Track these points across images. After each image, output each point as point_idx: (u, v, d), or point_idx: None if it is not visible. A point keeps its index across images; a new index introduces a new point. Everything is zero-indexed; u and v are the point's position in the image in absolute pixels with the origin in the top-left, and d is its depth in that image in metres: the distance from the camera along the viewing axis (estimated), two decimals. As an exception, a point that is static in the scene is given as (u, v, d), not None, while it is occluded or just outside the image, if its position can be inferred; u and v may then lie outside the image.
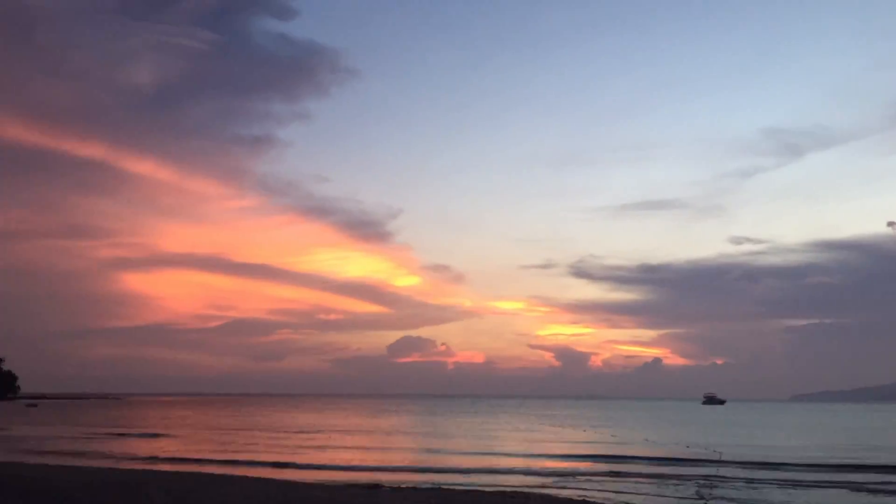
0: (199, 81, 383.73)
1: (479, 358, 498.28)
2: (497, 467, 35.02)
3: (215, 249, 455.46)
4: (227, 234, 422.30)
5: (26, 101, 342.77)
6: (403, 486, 26.24)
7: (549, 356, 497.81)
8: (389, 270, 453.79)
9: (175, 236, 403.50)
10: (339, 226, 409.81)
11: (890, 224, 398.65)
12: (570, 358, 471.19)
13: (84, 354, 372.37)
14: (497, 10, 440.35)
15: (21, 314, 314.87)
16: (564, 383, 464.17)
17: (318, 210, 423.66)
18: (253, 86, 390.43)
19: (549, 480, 29.78)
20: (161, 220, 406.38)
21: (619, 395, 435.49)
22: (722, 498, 25.23)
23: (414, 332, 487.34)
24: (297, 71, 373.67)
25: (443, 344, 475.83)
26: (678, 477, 30.96)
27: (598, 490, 26.98)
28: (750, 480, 30.02)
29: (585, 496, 24.95)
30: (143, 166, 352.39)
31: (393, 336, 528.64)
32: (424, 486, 26.66)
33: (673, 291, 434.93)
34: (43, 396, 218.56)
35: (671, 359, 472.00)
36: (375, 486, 25.47)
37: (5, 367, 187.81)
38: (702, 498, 25.01)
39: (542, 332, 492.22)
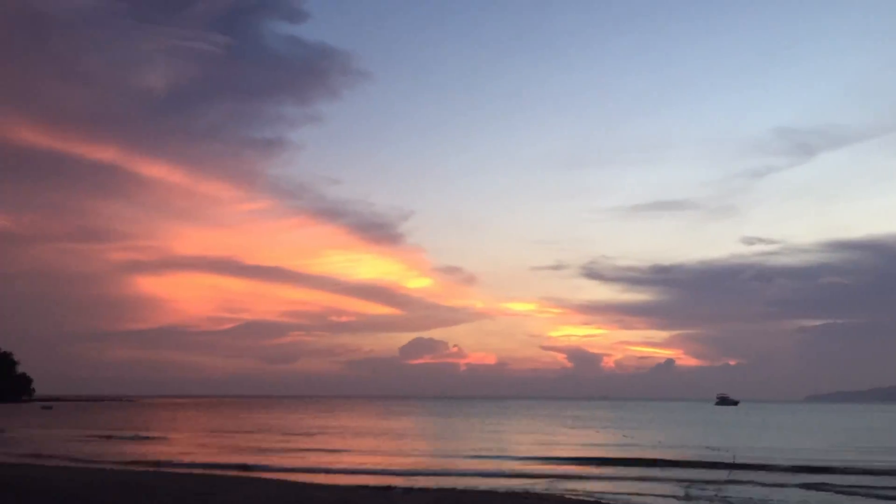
0: (211, 84, 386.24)
1: (490, 359, 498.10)
2: (509, 469, 34.86)
3: (228, 252, 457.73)
4: (239, 237, 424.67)
5: (40, 106, 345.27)
6: (415, 487, 26.14)
7: (561, 357, 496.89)
8: (401, 272, 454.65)
9: (188, 239, 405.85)
10: (351, 228, 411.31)
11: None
12: (583, 359, 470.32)
13: (98, 357, 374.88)
14: (508, 12, 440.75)
15: (36, 317, 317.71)
16: (577, 384, 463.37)
17: (330, 212, 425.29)
18: (265, 89, 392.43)
19: (562, 482, 29.59)
20: (174, 223, 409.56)
21: (631, 397, 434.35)
22: (737, 497, 25.01)
23: (426, 334, 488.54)
24: (308, 74, 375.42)
25: (455, 345, 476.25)
26: (690, 480, 30.67)
27: (612, 492, 26.78)
28: (763, 484, 29.69)
29: (599, 498, 24.78)
30: (156, 169, 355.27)
31: (405, 338, 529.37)
32: (436, 486, 26.55)
33: (685, 292, 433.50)
34: (57, 398, 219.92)
35: (684, 360, 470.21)
36: (387, 488, 25.38)
37: (20, 369, 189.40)
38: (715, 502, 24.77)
39: (554, 334, 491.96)
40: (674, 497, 25.67)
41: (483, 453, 43.63)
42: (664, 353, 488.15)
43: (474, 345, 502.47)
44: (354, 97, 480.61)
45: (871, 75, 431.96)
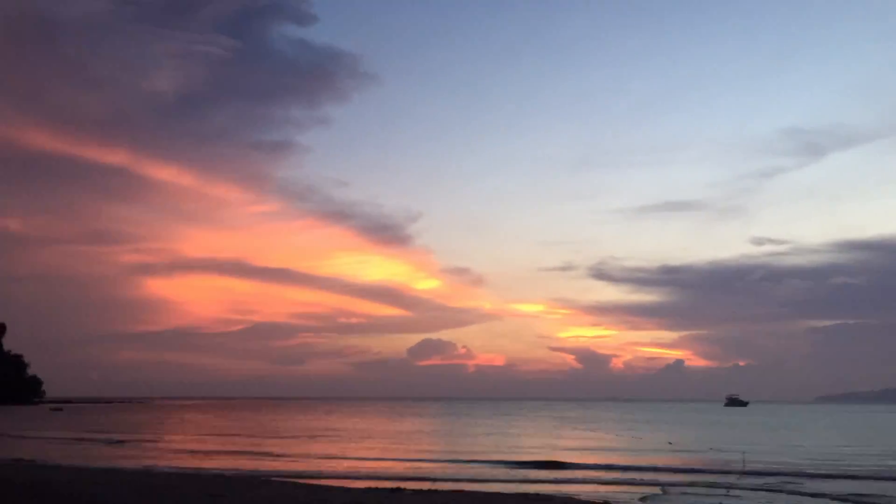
0: (219, 88, 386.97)
1: (499, 360, 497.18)
2: (519, 471, 34.94)
3: (237, 254, 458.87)
4: (248, 239, 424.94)
5: (50, 110, 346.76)
6: (425, 488, 26.27)
7: (570, 358, 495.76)
8: (409, 273, 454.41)
9: (197, 241, 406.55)
10: (360, 230, 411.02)
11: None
12: (591, 360, 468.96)
13: (108, 359, 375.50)
14: (516, 14, 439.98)
15: (46, 319, 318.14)
16: (585, 386, 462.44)
17: (339, 214, 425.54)
18: (273, 91, 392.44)
19: (571, 482, 29.67)
20: (183, 226, 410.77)
21: (640, 398, 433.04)
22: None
23: (434, 335, 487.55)
24: (316, 76, 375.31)
25: (463, 347, 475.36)
26: (700, 484, 30.69)
27: (623, 493, 26.85)
28: (773, 490, 29.61)
29: (608, 498, 24.86)
30: (166, 172, 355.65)
31: (413, 339, 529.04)
32: (446, 488, 26.68)
33: (694, 293, 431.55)
34: (68, 400, 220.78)
35: (693, 360, 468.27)
36: (397, 490, 25.53)
37: (31, 371, 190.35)
38: None
39: (562, 335, 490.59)
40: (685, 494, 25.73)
41: (492, 455, 43.72)
42: (673, 354, 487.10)
43: (483, 346, 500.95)
44: (363, 99, 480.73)
45: (880, 75, 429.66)
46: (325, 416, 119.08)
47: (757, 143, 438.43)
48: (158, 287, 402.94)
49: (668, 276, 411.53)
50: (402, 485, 27.39)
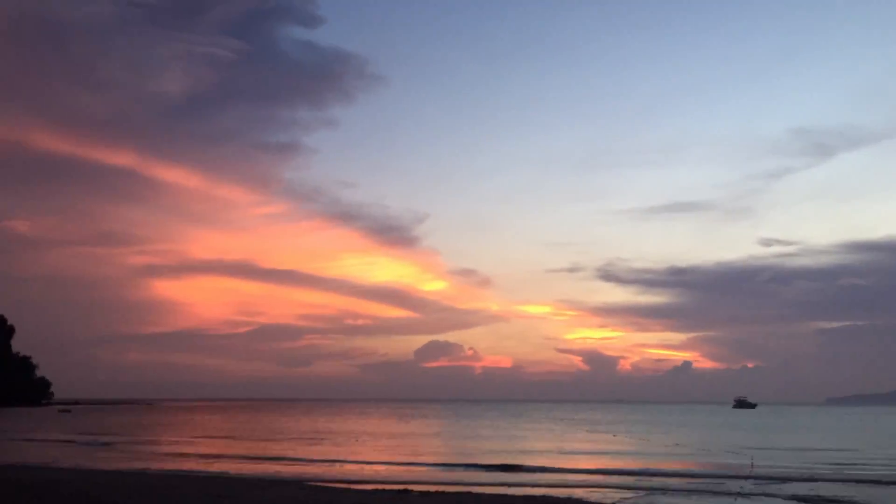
0: (226, 89, 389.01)
1: (506, 362, 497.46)
2: (526, 472, 34.81)
3: (244, 255, 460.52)
4: (255, 241, 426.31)
5: (58, 111, 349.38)
6: (432, 490, 26.17)
7: (577, 360, 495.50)
8: (416, 275, 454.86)
9: (204, 243, 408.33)
10: (366, 231, 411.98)
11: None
12: (599, 362, 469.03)
13: (116, 360, 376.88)
14: (522, 16, 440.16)
15: (54, 320, 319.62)
16: (593, 387, 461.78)
17: (345, 216, 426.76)
18: (280, 93, 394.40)
19: (578, 486, 29.52)
20: (190, 227, 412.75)
21: (648, 400, 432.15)
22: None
23: (441, 337, 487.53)
24: (323, 78, 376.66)
25: (470, 348, 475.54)
26: (710, 487, 30.50)
27: (631, 496, 26.69)
28: (786, 496, 29.36)
29: (616, 501, 24.71)
30: (173, 174, 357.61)
31: (420, 340, 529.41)
32: (453, 490, 26.57)
33: (702, 294, 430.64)
34: (76, 402, 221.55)
35: (701, 362, 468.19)
36: (404, 491, 25.44)
37: (39, 372, 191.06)
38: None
39: (569, 336, 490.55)
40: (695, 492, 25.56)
41: (499, 457, 43.56)
42: (681, 356, 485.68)
43: (490, 347, 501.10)
44: (369, 101, 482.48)
45: (889, 75, 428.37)
46: (332, 418, 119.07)
47: (765, 144, 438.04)
48: (165, 288, 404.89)
49: (676, 278, 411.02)
50: (409, 486, 27.31)
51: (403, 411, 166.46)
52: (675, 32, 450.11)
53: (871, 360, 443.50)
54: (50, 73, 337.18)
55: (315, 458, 42.58)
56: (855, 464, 40.33)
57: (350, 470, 35.68)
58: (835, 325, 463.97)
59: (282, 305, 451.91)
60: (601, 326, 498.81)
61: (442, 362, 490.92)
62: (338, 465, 38.43)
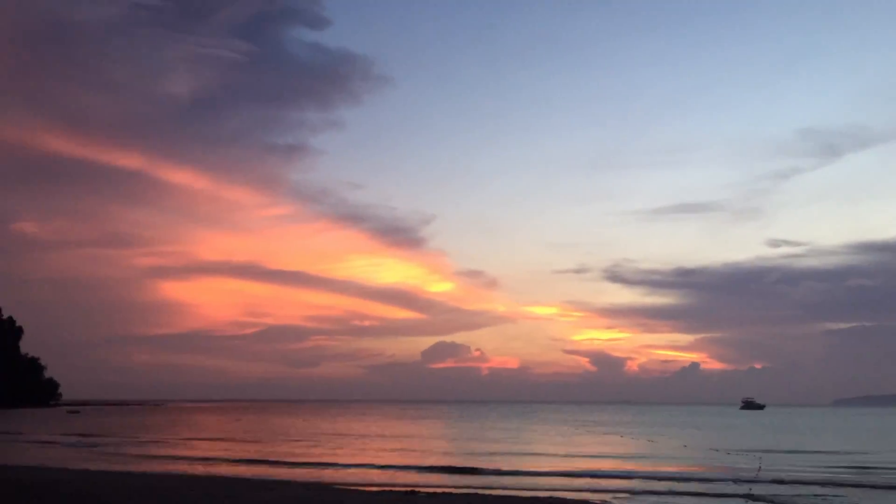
0: (234, 91, 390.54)
1: (513, 363, 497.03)
2: (533, 472, 34.71)
3: (251, 257, 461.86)
4: (262, 242, 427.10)
5: (67, 113, 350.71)
6: (439, 491, 26.10)
7: (584, 361, 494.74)
8: (423, 276, 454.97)
9: (212, 244, 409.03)
10: (373, 232, 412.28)
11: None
12: (606, 363, 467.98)
13: (124, 361, 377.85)
14: (530, 17, 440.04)
15: (62, 322, 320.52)
16: (600, 389, 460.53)
17: (352, 217, 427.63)
18: (287, 95, 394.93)
19: (585, 487, 29.41)
20: (198, 229, 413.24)
21: (655, 401, 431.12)
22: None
23: (448, 338, 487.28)
24: (330, 79, 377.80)
25: (477, 349, 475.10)
26: (718, 491, 30.33)
27: (638, 499, 26.57)
28: (792, 496, 29.17)
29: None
30: (180, 176, 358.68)
31: (427, 342, 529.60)
32: (460, 491, 26.50)
33: (710, 295, 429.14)
34: (84, 403, 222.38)
35: (708, 363, 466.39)
36: (411, 492, 25.37)
37: (47, 374, 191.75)
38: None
39: (576, 337, 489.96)
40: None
41: (506, 458, 43.47)
42: (688, 357, 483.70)
43: (497, 349, 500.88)
44: (376, 102, 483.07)
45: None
46: (339, 419, 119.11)
47: (773, 144, 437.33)
48: (173, 290, 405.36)
49: (683, 279, 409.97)
50: (416, 487, 27.25)
51: (407, 412, 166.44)
52: (683, 34, 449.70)
53: (879, 361, 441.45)
54: (57, 75, 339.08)
55: (320, 459, 42.55)
56: (867, 467, 40.05)
57: (355, 472, 35.66)
58: (843, 326, 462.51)
59: (289, 307, 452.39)
60: (608, 327, 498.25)
61: (449, 363, 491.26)
62: (342, 466, 38.42)
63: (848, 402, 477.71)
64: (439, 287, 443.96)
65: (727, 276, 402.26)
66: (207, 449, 50.79)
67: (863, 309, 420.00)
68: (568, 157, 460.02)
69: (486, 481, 30.81)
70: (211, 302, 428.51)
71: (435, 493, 25.32)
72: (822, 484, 30.90)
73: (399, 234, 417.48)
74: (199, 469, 35.81)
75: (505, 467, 36.85)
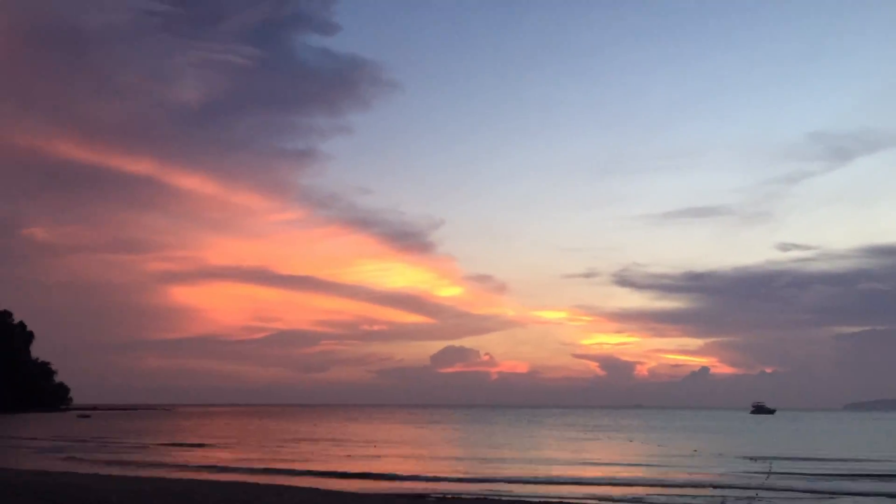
0: (243, 97, 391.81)
1: (522, 368, 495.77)
2: (542, 480, 34.67)
3: (260, 262, 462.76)
4: (271, 247, 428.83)
5: (77, 119, 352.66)
6: (449, 496, 26.12)
7: (593, 366, 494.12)
8: (432, 281, 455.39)
9: (221, 249, 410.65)
10: (382, 237, 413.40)
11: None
12: (615, 367, 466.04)
13: (134, 366, 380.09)
14: (537, 21, 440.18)
15: (73, 327, 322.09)
16: (609, 393, 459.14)
17: (361, 222, 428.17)
18: (296, 100, 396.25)
19: (594, 495, 29.37)
20: (207, 234, 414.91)
21: (665, 405, 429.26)
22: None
23: (457, 342, 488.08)
24: (339, 85, 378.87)
25: (486, 354, 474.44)
26: (727, 497, 30.22)
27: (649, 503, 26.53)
28: (801, 498, 29.03)
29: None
30: (190, 181, 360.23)
31: (436, 346, 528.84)
32: (470, 496, 26.51)
33: (719, 299, 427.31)
34: (94, 407, 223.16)
35: (719, 368, 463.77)
36: (421, 497, 25.41)
37: (58, 378, 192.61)
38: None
39: (586, 342, 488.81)
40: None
41: (515, 462, 43.45)
42: (698, 361, 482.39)
43: (506, 353, 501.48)
44: (384, 107, 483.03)
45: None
46: (349, 424, 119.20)
47: (783, 148, 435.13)
48: (183, 295, 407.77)
49: (693, 283, 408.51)
50: (427, 491, 27.28)
51: (416, 417, 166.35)
52: (691, 38, 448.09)
53: (891, 365, 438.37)
54: (68, 82, 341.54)
55: (331, 464, 42.63)
56: (882, 474, 39.81)
57: (363, 474, 35.71)
58: (854, 330, 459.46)
59: (298, 311, 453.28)
60: (618, 332, 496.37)
61: (458, 368, 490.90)
62: (352, 468, 38.48)
63: (860, 406, 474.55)
64: (448, 291, 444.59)
65: (737, 280, 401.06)
66: (218, 453, 50.95)
67: (874, 313, 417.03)
68: (577, 162, 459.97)
69: (496, 488, 30.82)
70: (221, 307, 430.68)
71: (444, 498, 25.34)
72: (833, 494, 30.69)
73: (408, 239, 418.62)
74: (212, 473, 35.95)
75: (514, 473, 36.84)
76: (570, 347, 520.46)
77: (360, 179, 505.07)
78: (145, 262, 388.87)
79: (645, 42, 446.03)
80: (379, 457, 48.38)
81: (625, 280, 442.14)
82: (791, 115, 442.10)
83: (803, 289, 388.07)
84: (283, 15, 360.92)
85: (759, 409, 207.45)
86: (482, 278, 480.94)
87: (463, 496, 26.31)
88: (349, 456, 48.81)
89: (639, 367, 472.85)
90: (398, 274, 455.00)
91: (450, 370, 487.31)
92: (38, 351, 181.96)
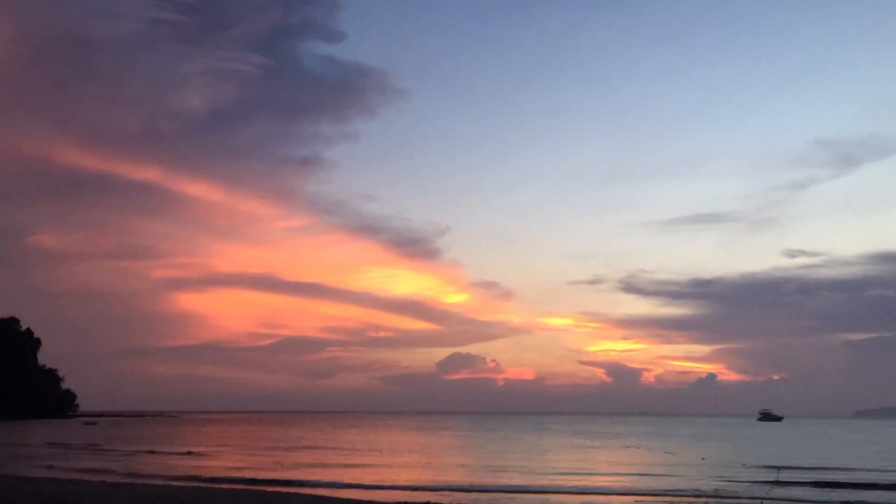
0: (250, 104, 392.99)
1: (528, 374, 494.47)
2: (549, 489, 34.56)
3: (267, 268, 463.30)
4: (278, 254, 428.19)
5: (85, 127, 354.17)
6: (454, 503, 26.08)
7: (600, 372, 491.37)
8: (438, 287, 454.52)
9: (228, 256, 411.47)
10: (388, 244, 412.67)
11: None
12: (622, 374, 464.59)
13: (141, 373, 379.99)
14: (543, 29, 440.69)
15: (79, 334, 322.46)
16: (616, 400, 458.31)
17: (367, 228, 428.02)
18: (302, 107, 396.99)
19: (602, 501, 29.25)
20: (214, 241, 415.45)
21: (671, 412, 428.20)
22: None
23: (463, 349, 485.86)
24: (345, 92, 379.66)
25: (492, 360, 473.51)
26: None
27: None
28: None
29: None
30: (197, 188, 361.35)
31: (442, 353, 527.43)
32: (475, 502, 26.46)
33: (726, 306, 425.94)
34: (100, 414, 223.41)
35: (726, 374, 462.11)
36: (427, 505, 25.37)
37: (64, 385, 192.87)
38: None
39: (592, 348, 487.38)
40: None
41: (521, 469, 43.33)
42: (705, 368, 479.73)
43: (512, 360, 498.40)
44: (390, 115, 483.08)
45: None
46: (355, 430, 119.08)
47: (789, 154, 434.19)
48: (190, 301, 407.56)
49: (700, 289, 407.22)
50: (431, 498, 27.20)
51: (422, 424, 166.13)
52: (698, 44, 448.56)
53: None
54: (76, 90, 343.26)
55: (337, 471, 42.58)
56: (892, 484, 39.60)
57: (369, 482, 35.66)
58: (862, 336, 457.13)
59: (304, 318, 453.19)
60: (624, 338, 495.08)
61: (464, 375, 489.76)
62: (359, 476, 38.43)
63: (869, 413, 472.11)
64: (454, 298, 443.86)
65: (744, 286, 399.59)
66: (224, 460, 50.93)
67: (882, 319, 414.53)
68: (583, 168, 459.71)
69: (501, 497, 30.72)
70: (227, 313, 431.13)
71: (451, 506, 25.30)
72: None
73: (414, 246, 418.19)
74: (224, 480, 35.93)
75: (519, 482, 36.72)
76: (576, 354, 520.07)
77: (367, 186, 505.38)
78: (152, 268, 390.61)
79: (651, 50, 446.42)
80: (385, 464, 48.27)
81: (631, 287, 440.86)
82: (797, 122, 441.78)
83: (810, 295, 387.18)
84: (290, 23, 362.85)
85: (767, 417, 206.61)
86: (488, 285, 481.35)
87: (469, 505, 26.24)
88: (355, 463, 48.72)
89: (645, 374, 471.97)
90: (404, 280, 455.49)
91: (456, 377, 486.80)
92: (44, 358, 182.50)
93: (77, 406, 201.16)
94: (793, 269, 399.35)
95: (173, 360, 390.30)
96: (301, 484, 34.80)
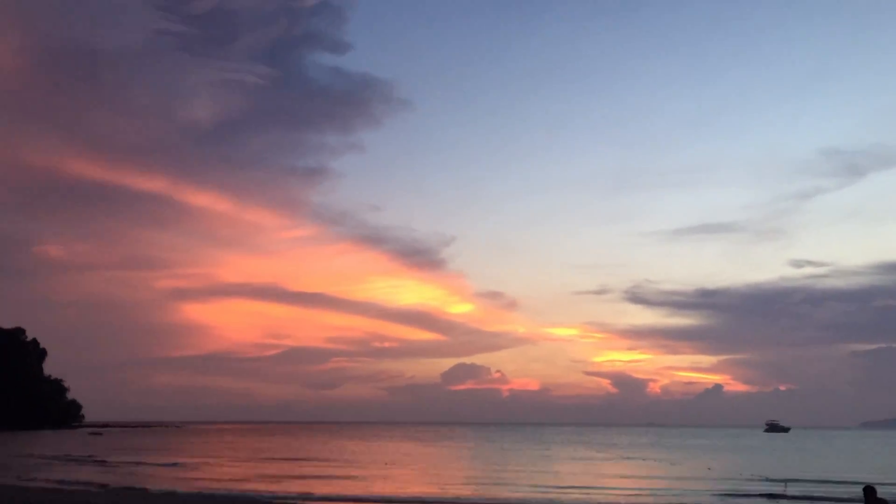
0: (255, 115, 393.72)
1: (534, 385, 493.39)
2: (556, 500, 34.41)
3: (272, 279, 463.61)
4: (283, 264, 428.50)
5: (91, 138, 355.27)
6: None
7: (605, 383, 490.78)
8: (443, 298, 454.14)
9: (233, 266, 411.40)
10: (393, 254, 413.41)
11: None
12: (628, 385, 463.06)
13: (146, 383, 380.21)
14: (547, 38, 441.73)
15: (85, 344, 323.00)
16: (622, 411, 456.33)
17: (372, 239, 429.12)
18: (308, 118, 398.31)
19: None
20: (219, 251, 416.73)
21: (677, 423, 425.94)
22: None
23: (468, 360, 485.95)
24: (350, 103, 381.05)
25: (497, 371, 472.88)
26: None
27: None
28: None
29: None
30: (202, 199, 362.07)
31: (447, 363, 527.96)
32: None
33: (732, 316, 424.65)
34: (105, 425, 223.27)
35: (732, 385, 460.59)
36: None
37: (70, 395, 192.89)
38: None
39: (597, 359, 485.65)
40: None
41: (527, 482, 43.15)
42: (711, 379, 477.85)
43: (517, 370, 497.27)
44: (395, 125, 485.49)
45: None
46: (359, 441, 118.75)
47: (795, 164, 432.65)
48: (195, 312, 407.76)
49: (706, 300, 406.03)
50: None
51: (427, 435, 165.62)
52: (703, 53, 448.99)
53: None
54: (83, 101, 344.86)
55: (346, 481, 42.45)
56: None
57: (377, 493, 35.54)
58: (869, 347, 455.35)
59: (309, 328, 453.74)
60: (630, 349, 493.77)
61: (469, 385, 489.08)
62: (366, 489, 38.31)
63: (876, 424, 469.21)
64: (459, 308, 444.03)
65: (750, 296, 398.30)
66: (228, 470, 50.85)
67: (889, 330, 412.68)
68: (588, 179, 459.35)
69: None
70: (232, 324, 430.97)
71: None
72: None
73: (419, 256, 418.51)
74: (228, 490, 35.83)
75: (525, 496, 36.56)
76: (581, 365, 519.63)
77: (372, 197, 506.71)
78: (158, 279, 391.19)
79: (656, 59, 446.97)
80: (390, 474, 48.09)
81: (637, 297, 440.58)
82: (803, 132, 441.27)
83: (817, 306, 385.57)
84: (296, 34, 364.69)
85: (774, 428, 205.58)
86: (493, 295, 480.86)
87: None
88: (360, 474, 48.54)
89: (651, 385, 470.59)
90: (409, 291, 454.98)
91: (461, 387, 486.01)
92: (50, 368, 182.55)
93: (82, 416, 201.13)
94: (799, 280, 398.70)
95: (179, 370, 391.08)
96: (306, 498, 34.70)
